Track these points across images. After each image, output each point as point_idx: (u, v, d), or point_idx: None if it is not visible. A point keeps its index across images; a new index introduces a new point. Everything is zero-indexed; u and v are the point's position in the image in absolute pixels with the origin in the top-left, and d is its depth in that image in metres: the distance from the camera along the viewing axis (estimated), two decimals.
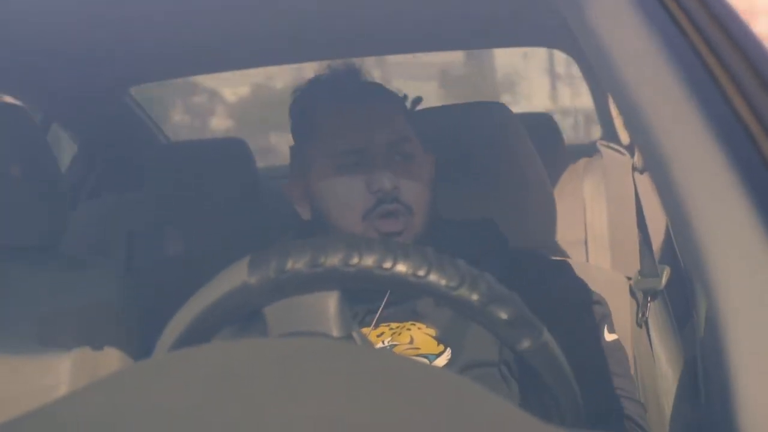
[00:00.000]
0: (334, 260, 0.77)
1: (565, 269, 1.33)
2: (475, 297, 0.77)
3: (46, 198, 1.65)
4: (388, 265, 0.77)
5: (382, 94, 1.34)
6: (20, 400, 1.55)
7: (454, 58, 10.05)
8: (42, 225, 1.66)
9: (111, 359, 1.61)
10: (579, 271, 1.36)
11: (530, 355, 0.78)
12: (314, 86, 1.36)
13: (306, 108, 1.34)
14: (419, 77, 8.50)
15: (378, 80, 1.43)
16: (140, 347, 1.58)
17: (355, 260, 0.77)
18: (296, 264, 0.78)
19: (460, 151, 1.47)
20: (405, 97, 1.38)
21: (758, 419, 0.54)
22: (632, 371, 1.34)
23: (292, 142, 1.39)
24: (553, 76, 10.69)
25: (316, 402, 0.49)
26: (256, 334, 1.17)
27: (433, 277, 0.77)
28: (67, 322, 1.62)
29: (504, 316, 0.77)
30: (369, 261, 0.77)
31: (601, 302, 1.27)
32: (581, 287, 1.28)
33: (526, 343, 0.78)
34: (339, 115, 1.29)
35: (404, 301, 1.23)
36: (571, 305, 1.24)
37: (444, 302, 0.79)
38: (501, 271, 1.15)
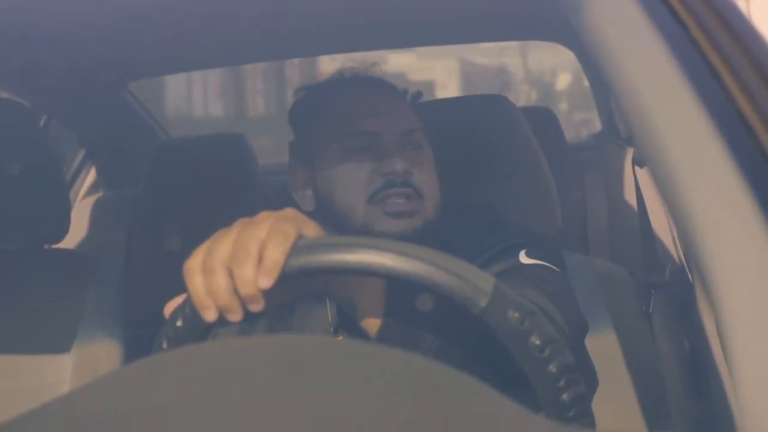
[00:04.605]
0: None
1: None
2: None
3: (46, 196, 1.65)
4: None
5: (389, 87, 1.36)
6: (21, 398, 1.56)
7: None
8: (43, 223, 1.66)
9: (111, 357, 1.61)
10: (580, 264, 1.35)
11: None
12: (323, 82, 1.39)
13: (315, 99, 1.36)
14: None
15: None
16: (140, 345, 1.58)
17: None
18: None
19: (463, 144, 1.47)
20: (405, 91, 1.38)
21: (758, 419, 0.54)
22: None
23: None
24: None
25: (317, 400, 0.49)
26: (261, 332, 1.18)
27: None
28: (67, 320, 1.62)
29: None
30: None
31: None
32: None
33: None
34: (352, 101, 1.31)
35: None
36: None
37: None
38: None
